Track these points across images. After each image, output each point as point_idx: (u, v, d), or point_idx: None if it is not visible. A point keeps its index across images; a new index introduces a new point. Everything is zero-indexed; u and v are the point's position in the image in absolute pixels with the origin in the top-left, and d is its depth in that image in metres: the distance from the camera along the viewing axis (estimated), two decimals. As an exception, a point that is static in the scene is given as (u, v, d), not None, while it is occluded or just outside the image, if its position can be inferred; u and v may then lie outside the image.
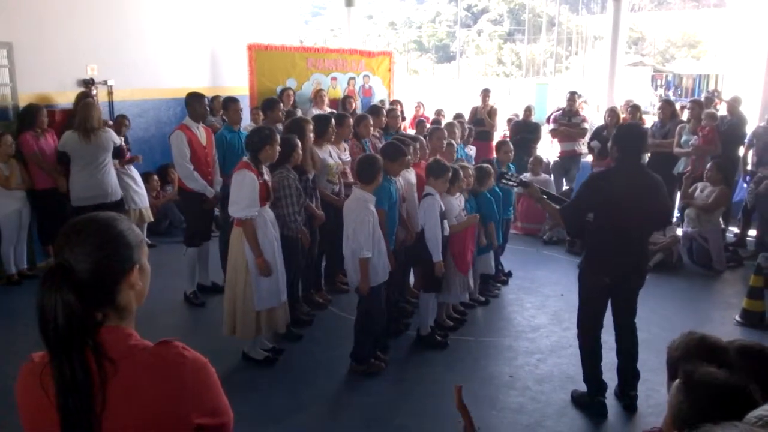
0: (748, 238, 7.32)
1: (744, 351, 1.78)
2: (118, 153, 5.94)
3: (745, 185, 7.66)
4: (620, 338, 3.76)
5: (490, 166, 5.36)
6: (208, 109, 5.70)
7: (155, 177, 7.52)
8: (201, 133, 5.25)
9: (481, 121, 8.96)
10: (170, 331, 4.67)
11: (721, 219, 6.87)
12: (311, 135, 4.82)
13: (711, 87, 12.86)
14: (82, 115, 5.46)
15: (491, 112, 9.24)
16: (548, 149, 9.50)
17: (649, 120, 9.70)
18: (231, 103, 5.60)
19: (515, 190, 5.23)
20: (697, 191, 6.77)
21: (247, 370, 4.18)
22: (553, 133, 8.64)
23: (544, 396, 3.93)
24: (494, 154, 6.62)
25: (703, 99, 8.51)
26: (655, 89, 14.58)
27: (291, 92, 7.87)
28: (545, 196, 3.88)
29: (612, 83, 11.09)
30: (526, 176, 7.07)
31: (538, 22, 39.02)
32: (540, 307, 5.45)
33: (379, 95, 9.53)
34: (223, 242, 5.06)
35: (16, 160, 5.69)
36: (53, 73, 6.44)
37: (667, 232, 6.47)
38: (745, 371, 1.56)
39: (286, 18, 11.09)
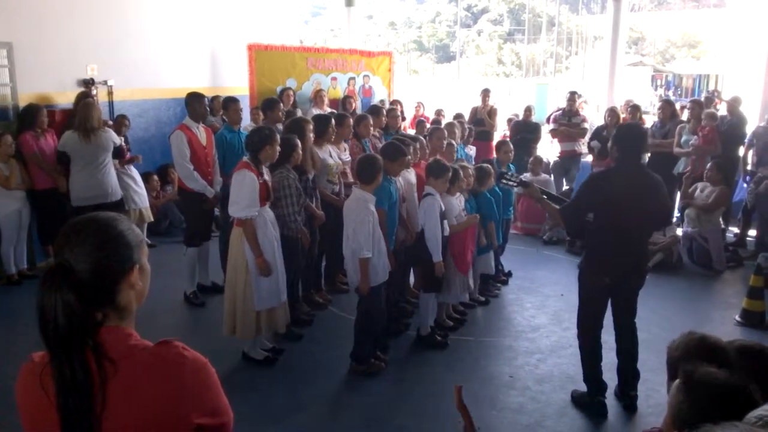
0: (748, 238, 7.32)
1: (744, 351, 1.78)
2: (118, 153, 5.94)
3: (745, 185, 7.66)
4: (620, 338, 3.76)
5: (490, 166, 5.36)
6: (208, 109, 5.70)
7: (155, 177, 7.52)
8: (201, 133, 5.25)
9: (481, 121, 8.96)
10: (170, 331, 4.67)
11: (721, 219, 6.87)
12: (311, 135, 4.82)
13: (711, 87, 12.86)
14: (82, 115, 5.46)
15: (491, 112, 9.24)
16: (548, 149, 9.49)
17: (649, 120, 9.70)
18: (231, 103, 5.60)
19: (515, 190, 5.23)
20: (697, 191, 6.77)
21: (247, 370, 4.18)
22: (553, 133, 8.64)
23: (544, 396, 3.93)
24: (494, 154, 6.62)
25: (703, 99, 8.51)
26: (655, 89, 14.57)
27: (291, 92, 7.87)
28: (545, 196, 3.88)
29: (612, 83, 11.09)
30: (526, 176, 7.07)
31: (538, 22, 39.03)
32: (540, 307, 5.45)
33: (379, 95, 9.53)
34: (223, 242, 5.06)
35: (16, 160, 5.69)
36: (53, 73, 6.44)
37: (667, 232, 6.47)
38: (745, 371, 1.56)
39: (286, 18, 11.09)
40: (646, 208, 3.49)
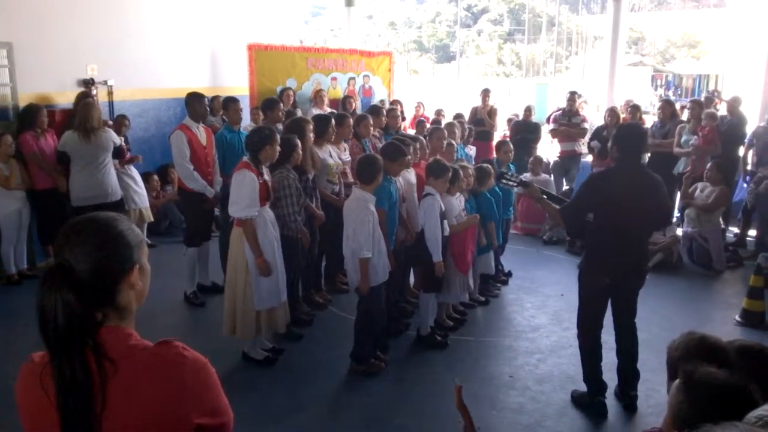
0: (748, 238, 7.32)
1: (744, 351, 1.78)
2: (118, 153, 5.94)
3: (745, 185, 7.66)
4: (620, 338, 3.76)
5: (490, 166, 5.36)
6: (208, 109, 5.70)
7: (155, 177, 7.52)
8: (201, 133, 5.25)
9: (481, 121, 8.96)
10: (170, 331, 4.67)
11: (721, 219, 6.87)
12: (311, 135, 4.82)
13: (711, 87, 12.85)
14: (82, 115, 5.46)
15: (491, 112, 9.24)
16: (548, 149, 9.49)
17: (649, 120, 9.70)
18: (231, 103, 5.60)
19: (515, 190, 5.23)
20: (697, 191, 6.77)
21: (247, 370, 4.18)
22: (553, 133, 8.64)
23: (544, 396, 3.93)
24: (494, 154, 6.62)
25: (703, 99, 8.51)
26: (655, 89, 14.57)
27: (291, 92, 7.87)
28: (545, 196, 3.88)
29: (612, 83, 11.08)
30: (526, 176, 7.07)
31: (538, 22, 39.02)
32: (540, 307, 5.45)
33: (379, 95, 9.53)
34: (223, 242, 5.06)
35: (16, 160, 5.69)
36: (53, 73, 6.44)
37: (667, 232, 6.47)
38: (745, 371, 1.56)
39: (286, 18, 11.09)
40: (646, 208, 3.49)
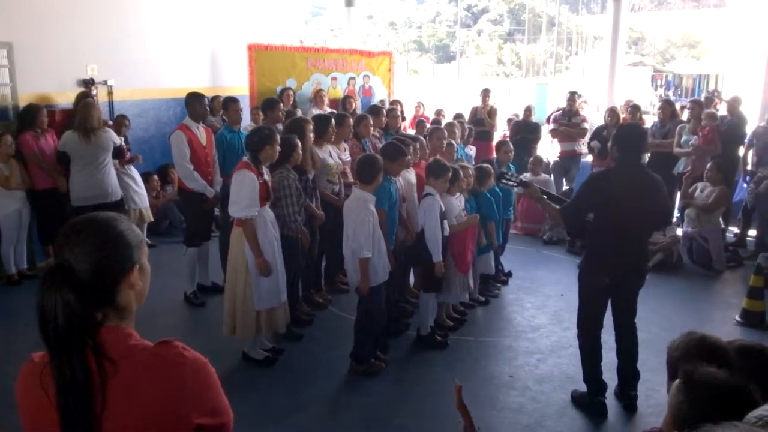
0: (748, 238, 7.32)
1: (744, 351, 1.78)
2: (118, 153, 5.94)
3: (745, 185, 7.66)
4: (620, 338, 3.76)
5: (490, 166, 5.36)
6: (208, 109, 5.70)
7: (155, 177, 7.52)
8: (201, 133, 5.25)
9: (481, 121, 8.96)
10: (170, 331, 4.67)
11: (721, 219, 6.87)
12: (311, 135, 4.82)
13: (711, 87, 12.85)
14: (82, 115, 5.46)
15: (491, 112, 9.24)
16: (548, 149, 9.49)
17: (649, 120, 9.70)
18: (231, 103, 5.60)
19: (515, 190, 5.23)
20: (697, 191, 6.77)
21: (247, 370, 4.18)
22: (553, 133, 8.64)
23: (544, 396, 3.93)
24: (494, 154, 6.62)
25: (703, 99, 8.51)
26: (655, 89, 14.57)
27: (291, 92, 7.87)
28: (545, 196, 3.88)
29: (612, 83, 11.08)
30: (526, 176, 7.07)
31: (538, 22, 39.02)
32: (540, 307, 5.45)
33: (379, 95, 9.54)
34: (223, 242, 5.06)
35: (16, 160, 5.69)
36: (53, 73, 6.44)
37: (667, 232, 6.47)
38: (745, 371, 1.56)
39: (286, 18, 11.09)
40: (646, 208, 3.49)
